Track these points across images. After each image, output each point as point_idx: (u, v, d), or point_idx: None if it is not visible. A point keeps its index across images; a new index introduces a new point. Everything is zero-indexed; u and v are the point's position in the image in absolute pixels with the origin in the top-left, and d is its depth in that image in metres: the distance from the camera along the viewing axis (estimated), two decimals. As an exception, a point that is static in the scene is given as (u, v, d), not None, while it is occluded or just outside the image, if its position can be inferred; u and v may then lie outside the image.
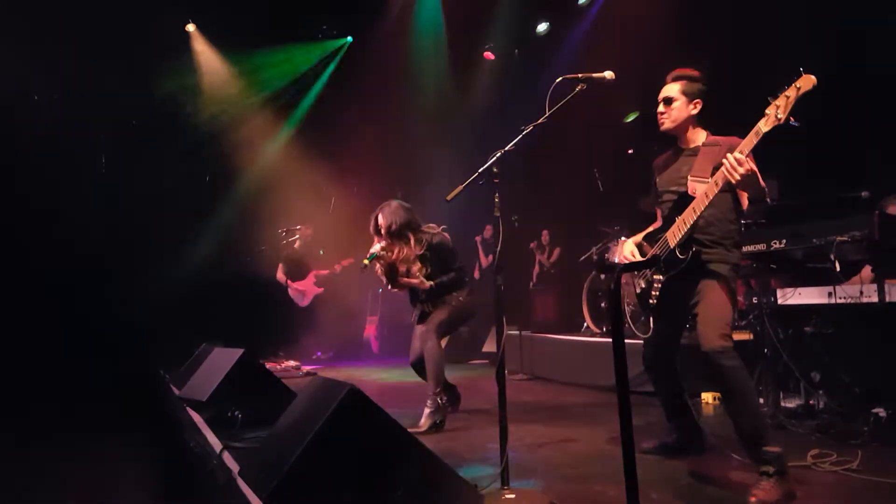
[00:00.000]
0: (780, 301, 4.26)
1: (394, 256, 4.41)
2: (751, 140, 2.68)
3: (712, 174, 2.87)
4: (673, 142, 3.28)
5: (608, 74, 2.97)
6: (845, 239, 3.81)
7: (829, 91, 2.79)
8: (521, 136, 2.94)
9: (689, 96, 3.10)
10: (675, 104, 3.13)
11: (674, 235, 3.01)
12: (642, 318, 6.38)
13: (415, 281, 4.41)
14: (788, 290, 4.25)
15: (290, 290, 8.44)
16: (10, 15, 6.49)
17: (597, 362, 5.86)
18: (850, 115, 5.29)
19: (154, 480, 3.14)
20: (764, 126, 2.63)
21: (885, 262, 3.80)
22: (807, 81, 2.56)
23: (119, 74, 7.56)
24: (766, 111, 2.63)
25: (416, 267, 4.43)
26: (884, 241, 3.69)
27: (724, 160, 2.69)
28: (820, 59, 5.36)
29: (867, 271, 4.16)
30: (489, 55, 9.86)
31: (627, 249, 3.34)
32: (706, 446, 3.43)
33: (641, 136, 7.85)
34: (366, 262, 4.37)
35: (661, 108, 3.19)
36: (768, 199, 2.92)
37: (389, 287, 4.59)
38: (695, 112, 3.11)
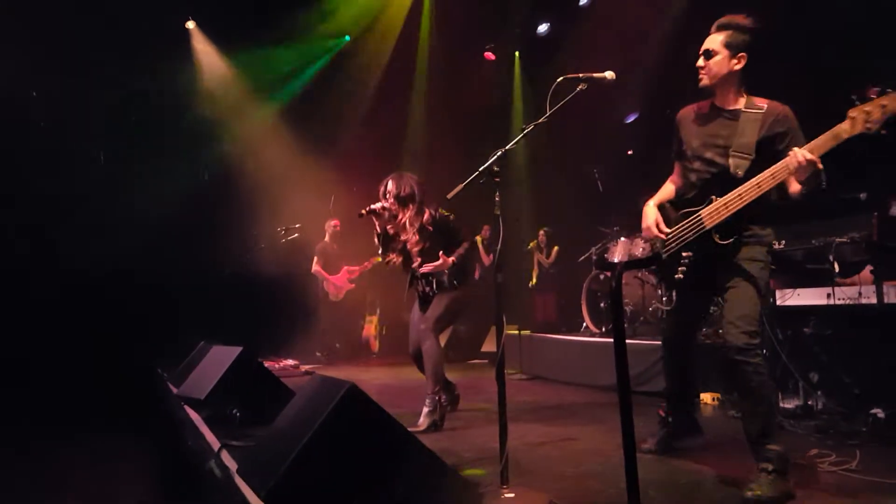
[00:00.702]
0: (779, 302, 4.27)
1: (393, 220, 4.32)
2: (826, 143, 2.52)
3: (757, 151, 2.73)
4: (706, 96, 3.01)
5: (609, 74, 2.95)
6: (844, 240, 3.82)
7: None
8: (521, 136, 2.94)
9: (733, 49, 2.80)
10: (715, 58, 2.84)
11: (711, 218, 2.82)
12: (641, 318, 6.42)
13: (438, 263, 4.27)
14: (788, 291, 4.26)
15: (325, 283, 8.42)
16: (7, 10, 6.49)
17: (596, 362, 5.87)
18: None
19: (152, 479, 3.14)
20: (848, 131, 2.49)
21: (884, 264, 3.81)
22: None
23: (118, 70, 7.56)
24: (851, 114, 2.47)
25: (414, 239, 4.33)
26: (882, 242, 3.69)
27: (793, 154, 2.55)
28: (816, 56, 5.41)
29: (867, 273, 4.16)
30: (490, 55, 9.87)
31: (651, 216, 3.06)
32: (700, 443, 3.42)
33: (641, 137, 7.88)
34: (363, 211, 4.28)
35: (700, 61, 2.90)
36: (824, 185, 2.68)
37: (381, 255, 4.50)
38: (738, 67, 2.83)
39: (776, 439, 2.69)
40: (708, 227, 2.83)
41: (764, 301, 2.85)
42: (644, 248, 6.58)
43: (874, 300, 3.74)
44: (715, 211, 2.82)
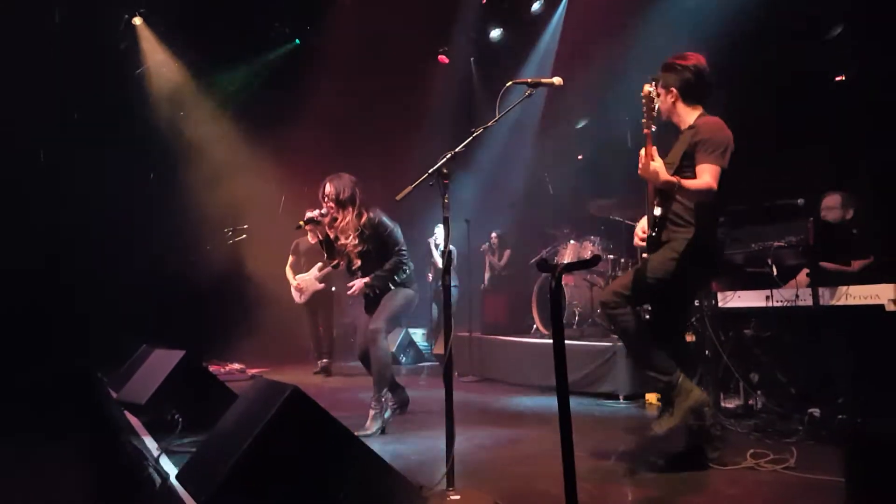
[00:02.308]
0: (720, 304, 4.37)
1: (333, 224, 4.29)
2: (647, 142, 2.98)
3: (682, 159, 3.09)
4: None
5: (556, 80, 2.99)
6: (782, 244, 3.95)
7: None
8: (470, 138, 2.95)
9: (666, 88, 3.22)
10: (657, 99, 3.21)
11: (648, 216, 3.20)
12: (590, 320, 6.50)
13: (358, 283, 4.32)
14: (729, 293, 4.37)
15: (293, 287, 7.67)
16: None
17: (546, 364, 5.91)
18: (788, 121, 5.51)
19: (89, 485, 3.02)
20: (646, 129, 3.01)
21: (820, 268, 3.95)
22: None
23: (61, 67, 7.29)
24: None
25: (353, 242, 4.28)
26: (818, 246, 3.83)
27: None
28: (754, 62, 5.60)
29: (803, 276, 4.31)
30: (443, 59, 9.87)
31: (639, 226, 3.33)
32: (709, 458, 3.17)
33: (590, 141, 8.00)
34: (301, 223, 4.29)
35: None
36: (677, 196, 3.10)
37: (327, 261, 4.53)
38: (672, 99, 3.20)
39: (657, 369, 3.09)
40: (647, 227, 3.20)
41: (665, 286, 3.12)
42: (592, 251, 6.71)
43: (810, 302, 3.87)
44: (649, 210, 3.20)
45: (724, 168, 2.97)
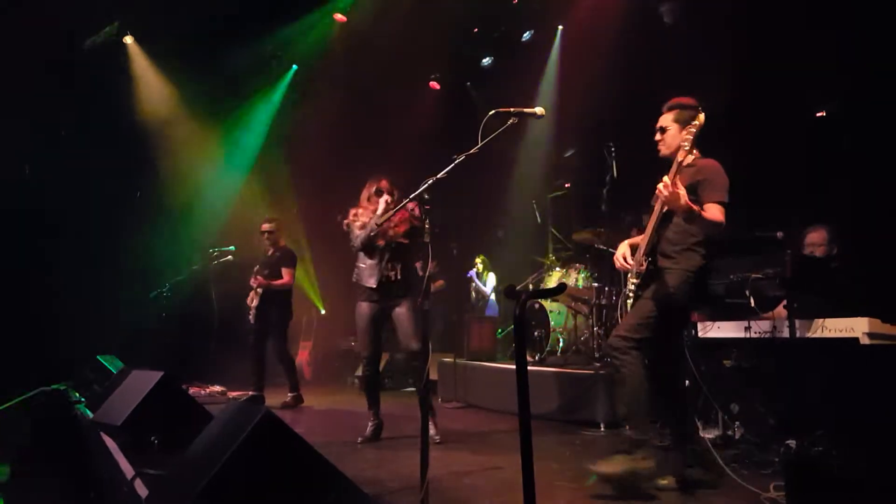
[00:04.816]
0: (700, 334, 4.41)
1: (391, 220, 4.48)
2: (672, 169, 3.06)
3: None
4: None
5: (539, 110, 3.05)
6: (759, 276, 3.99)
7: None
8: (452, 165, 2.99)
9: (682, 123, 3.32)
10: (668, 132, 3.37)
11: (643, 245, 3.33)
12: (574, 348, 6.51)
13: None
14: (708, 323, 4.41)
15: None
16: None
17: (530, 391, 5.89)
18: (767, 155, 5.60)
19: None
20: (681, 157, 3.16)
21: (797, 300, 3.99)
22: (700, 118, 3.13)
23: (51, 82, 7.31)
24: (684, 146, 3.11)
25: (400, 230, 4.56)
26: (795, 279, 3.87)
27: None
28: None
29: (782, 308, 4.34)
30: (435, 85, 9.98)
31: (620, 251, 3.45)
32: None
33: (577, 172, 8.09)
34: (378, 223, 4.41)
35: (657, 136, 3.45)
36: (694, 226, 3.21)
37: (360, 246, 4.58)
38: (688, 136, 3.25)
39: (638, 426, 3.16)
40: (642, 255, 3.35)
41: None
42: (577, 279, 6.74)
43: (787, 334, 3.90)
44: (645, 239, 3.35)
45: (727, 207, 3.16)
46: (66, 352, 6.71)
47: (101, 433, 4.28)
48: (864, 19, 5.09)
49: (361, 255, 4.62)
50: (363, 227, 4.52)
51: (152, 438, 3.88)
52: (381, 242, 4.53)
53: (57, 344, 6.84)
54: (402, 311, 4.54)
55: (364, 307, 4.58)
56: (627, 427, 3.22)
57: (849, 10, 5.12)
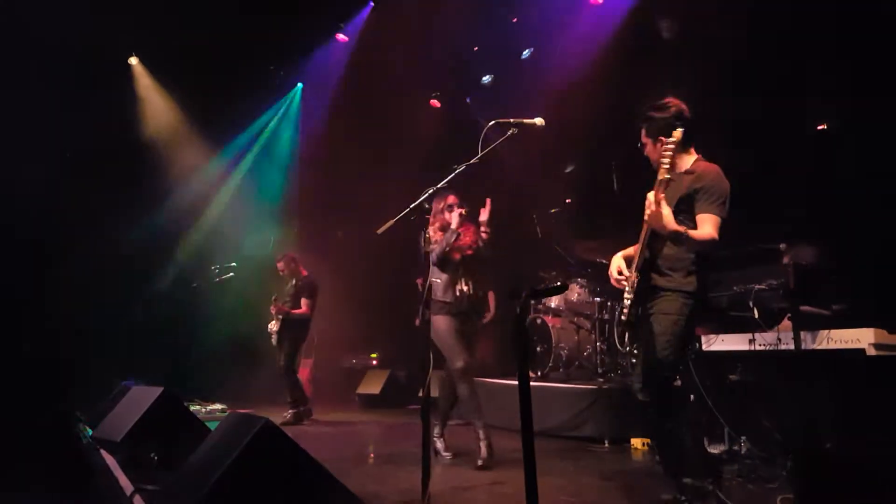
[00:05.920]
0: (704, 347, 4.37)
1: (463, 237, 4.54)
2: (655, 187, 2.84)
3: (678, 203, 2.97)
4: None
5: (538, 121, 3.06)
6: (763, 287, 3.97)
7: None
8: (452, 175, 3.00)
9: (653, 137, 3.09)
10: (646, 148, 3.16)
11: (637, 258, 3.09)
12: (576, 363, 6.47)
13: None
14: (712, 336, 4.37)
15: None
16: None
17: (533, 406, 5.84)
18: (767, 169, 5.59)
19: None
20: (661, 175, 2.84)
21: (801, 311, 3.96)
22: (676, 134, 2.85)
23: (56, 105, 7.35)
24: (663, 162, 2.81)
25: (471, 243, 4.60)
26: (798, 290, 3.84)
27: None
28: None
29: (786, 321, 4.31)
30: (435, 103, 10.02)
31: (614, 265, 3.23)
32: None
33: (580, 185, 8.09)
34: (456, 228, 4.47)
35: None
36: (684, 245, 2.96)
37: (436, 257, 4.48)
38: (665, 152, 2.94)
39: (694, 473, 2.84)
40: (635, 269, 3.08)
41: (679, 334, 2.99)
42: (578, 294, 6.72)
43: (792, 346, 3.86)
44: (638, 253, 3.08)
45: (724, 219, 2.92)
46: (69, 372, 6.71)
47: (101, 450, 4.26)
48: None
49: (435, 269, 4.57)
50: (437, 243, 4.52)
51: (151, 454, 3.86)
52: (457, 256, 4.55)
53: (58, 365, 6.82)
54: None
55: (442, 321, 4.54)
56: (683, 479, 2.93)
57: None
